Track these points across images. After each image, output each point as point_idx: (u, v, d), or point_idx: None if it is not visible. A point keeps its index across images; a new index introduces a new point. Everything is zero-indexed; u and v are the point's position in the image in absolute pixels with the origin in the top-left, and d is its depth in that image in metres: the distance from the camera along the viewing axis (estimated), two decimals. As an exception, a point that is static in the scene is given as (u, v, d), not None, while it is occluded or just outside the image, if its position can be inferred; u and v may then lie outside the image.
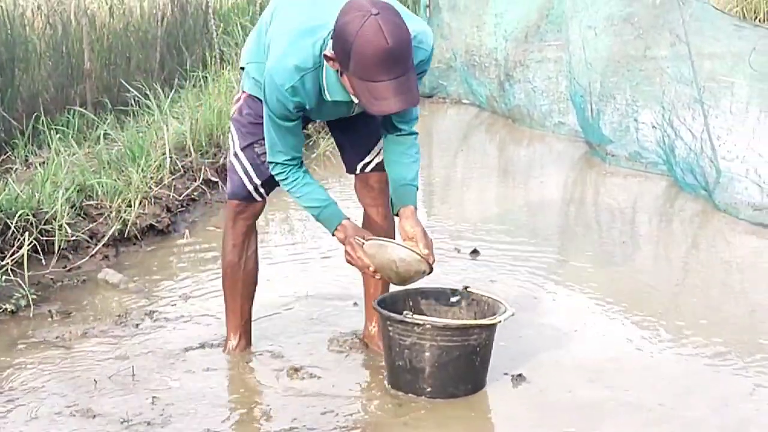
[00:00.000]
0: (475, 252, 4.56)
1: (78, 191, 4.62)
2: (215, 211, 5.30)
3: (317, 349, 3.47)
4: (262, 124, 3.02)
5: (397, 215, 3.12)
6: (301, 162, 3.05)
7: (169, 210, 4.96)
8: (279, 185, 3.27)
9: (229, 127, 3.27)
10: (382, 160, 3.21)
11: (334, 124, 3.33)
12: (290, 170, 3.02)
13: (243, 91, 3.20)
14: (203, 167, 5.48)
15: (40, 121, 5.67)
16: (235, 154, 3.21)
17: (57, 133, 5.52)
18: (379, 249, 2.96)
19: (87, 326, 3.68)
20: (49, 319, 3.77)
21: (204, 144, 5.69)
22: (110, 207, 4.64)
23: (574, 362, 3.39)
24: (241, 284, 3.34)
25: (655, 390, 3.18)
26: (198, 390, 3.17)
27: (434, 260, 3.04)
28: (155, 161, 5.15)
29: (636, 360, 3.43)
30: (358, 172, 3.32)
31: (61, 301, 3.96)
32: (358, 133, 3.26)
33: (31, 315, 3.79)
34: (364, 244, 2.98)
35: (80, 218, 4.54)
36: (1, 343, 3.55)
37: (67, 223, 4.35)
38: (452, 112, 8.54)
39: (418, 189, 3.12)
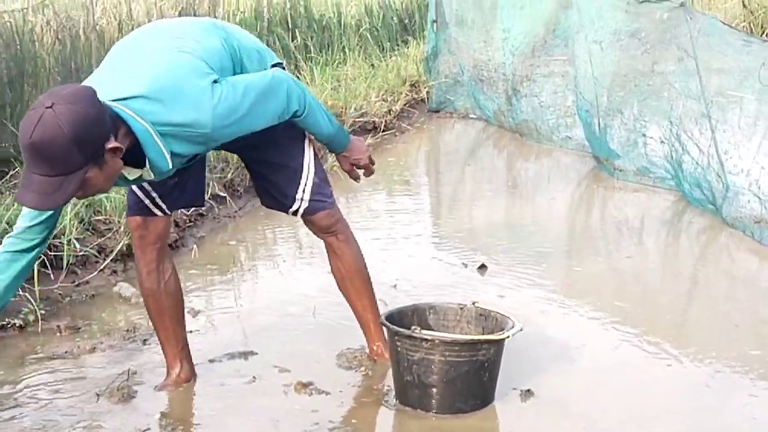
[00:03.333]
0: (483, 267, 4.56)
1: (86, 206, 4.64)
2: (223, 226, 5.31)
3: (325, 364, 3.46)
4: None
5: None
6: (29, 251, 2.83)
7: (177, 225, 4.97)
8: (185, 202, 3.25)
9: None
10: (310, 201, 3.17)
11: (249, 169, 3.26)
12: (7, 254, 2.82)
13: None
14: (211, 182, 5.50)
15: (49, 137, 5.68)
16: None
17: (66, 148, 5.53)
18: None
19: (95, 341, 3.69)
20: (58, 334, 3.78)
21: (212, 159, 5.71)
22: (118, 222, 4.65)
23: (583, 377, 3.39)
24: (168, 310, 3.22)
25: (664, 405, 3.17)
26: (207, 405, 3.17)
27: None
28: (163, 176, 5.16)
29: (644, 374, 3.42)
30: (290, 216, 3.26)
31: (70, 316, 3.97)
32: (270, 179, 3.18)
33: (39, 330, 3.80)
34: None
35: (89, 233, 4.56)
36: (9, 358, 3.56)
37: (76, 238, 4.37)
38: (459, 127, 8.55)
39: (337, 125, 3.12)
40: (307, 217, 3.23)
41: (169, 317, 3.24)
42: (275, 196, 3.21)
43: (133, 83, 2.65)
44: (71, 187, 2.52)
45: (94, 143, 2.51)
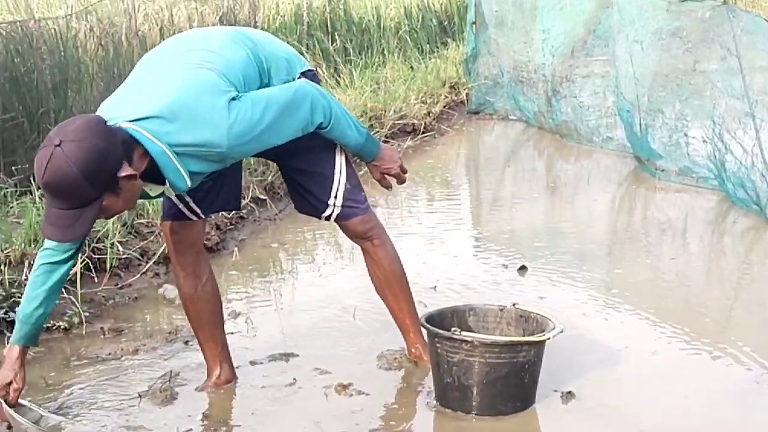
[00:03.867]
0: (523, 268, 4.54)
1: (129, 210, 4.68)
2: (264, 229, 5.34)
3: (366, 366, 3.46)
4: None
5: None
6: (65, 263, 2.91)
7: (218, 228, 5.01)
8: (219, 206, 3.24)
9: None
10: (342, 207, 3.16)
11: (283, 174, 3.27)
12: (45, 266, 2.92)
13: None
14: (252, 185, 5.53)
15: (93, 141, 5.75)
16: None
17: (109, 152, 5.60)
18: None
19: (138, 343, 3.73)
20: (102, 336, 3.83)
21: (252, 162, 5.74)
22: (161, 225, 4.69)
23: (625, 380, 3.36)
24: (205, 313, 3.24)
25: (707, 409, 3.13)
26: (248, 406, 3.19)
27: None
28: (204, 180, 5.20)
29: (687, 378, 3.38)
30: (324, 221, 3.25)
31: (113, 318, 4.02)
32: (302, 185, 3.18)
33: (83, 332, 3.85)
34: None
35: (131, 236, 4.61)
36: (54, 360, 3.61)
37: (119, 242, 4.42)
38: (499, 128, 8.52)
39: (366, 134, 3.09)
40: (341, 222, 3.23)
41: (206, 321, 3.26)
42: (308, 201, 3.20)
43: (150, 103, 2.67)
44: (89, 218, 2.59)
45: (106, 175, 2.56)
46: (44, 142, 2.57)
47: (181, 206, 3.09)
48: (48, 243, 2.91)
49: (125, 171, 2.59)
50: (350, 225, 3.23)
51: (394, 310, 3.40)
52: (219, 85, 2.74)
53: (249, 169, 5.69)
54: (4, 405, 2.89)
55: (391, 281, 3.33)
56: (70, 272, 3.01)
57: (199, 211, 3.11)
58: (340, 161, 3.16)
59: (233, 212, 4.99)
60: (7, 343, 2.99)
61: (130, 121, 2.64)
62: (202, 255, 3.25)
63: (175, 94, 2.68)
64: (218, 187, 3.11)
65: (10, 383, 2.92)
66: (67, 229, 2.59)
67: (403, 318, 3.39)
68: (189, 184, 2.74)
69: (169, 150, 2.66)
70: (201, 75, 2.74)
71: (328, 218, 3.21)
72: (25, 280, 3.93)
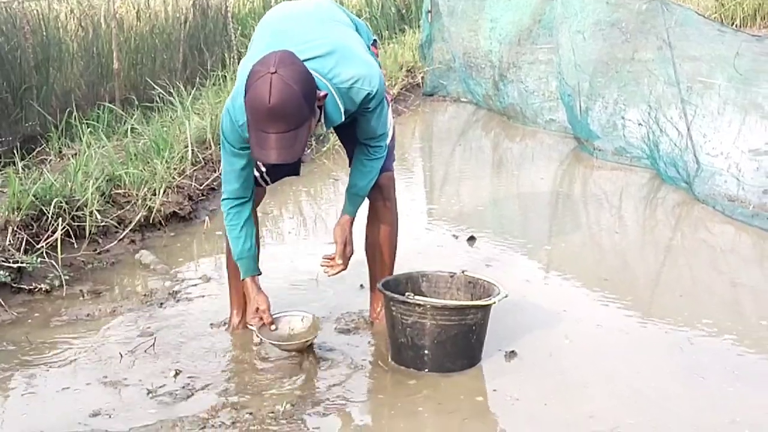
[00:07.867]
0: (471, 239, 4.56)
1: (107, 181, 4.63)
2: (233, 199, 5.30)
3: (325, 328, 3.46)
4: None
5: None
6: (246, 203, 3.06)
7: (190, 198, 4.97)
8: (283, 175, 3.32)
9: None
10: (384, 160, 3.22)
11: (340, 131, 3.31)
12: (232, 210, 3.07)
13: None
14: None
15: (73, 116, 5.69)
16: None
17: (88, 127, 5.53)
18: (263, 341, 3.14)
19: (115, 305, 3.70)
20: (81, 298, 3.79)
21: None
22: (137, 195, 4.65)
23: (563, 340, 3.40)
24: None
25: (637, 366, 3.19)
26: (217, 364, 3.18)
27: (345, 268, 3.20)
28: (178, 153, 5.16)
29: (621, 337, 3.43)
30: None
31: (92, 281, 3.98)
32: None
33: (64, 294, 3.81)
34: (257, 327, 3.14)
35: (109, 205, 4.56)
36: (36, 320, 3.57)
37: (97, 210, 4.36)
38: (451, 110, 8.53)
39: (364, 199, 3.17)
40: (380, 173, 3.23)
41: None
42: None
43: (311, 49, 2.77)
44: (304, 138, 2.66)
45: (313, 95, 2.66)
46: (255, 76, 2.59)
47: (257, 174, 3.19)
48: (229, 194, 3.03)
49: (321, 92, 2.70)
50: (380, 178, 3.24)
51: (374, 269, 3.42)
52: (362, 41, 3.03)
53: (218, 143, 5.63)
54: (256, 336, 3.12)
55: (384, 245, 3.38)
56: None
57: (269, 179, 3.25)
58: (392, 121, 3.26)
59: (207, 184, 4.97)
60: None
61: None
62: (255, 215, 3.30)
63: (332, 40, 2.84)
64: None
65: (257, 309, 3.12)
66: (287, 150, 2.63)
67: (378, 279, 3.38)
68: (342, 118, 2.85)
69: (331, 86, 2.78)
70: (352, 32, 2.96)
71: None
72: (8, 245, 3.88)
